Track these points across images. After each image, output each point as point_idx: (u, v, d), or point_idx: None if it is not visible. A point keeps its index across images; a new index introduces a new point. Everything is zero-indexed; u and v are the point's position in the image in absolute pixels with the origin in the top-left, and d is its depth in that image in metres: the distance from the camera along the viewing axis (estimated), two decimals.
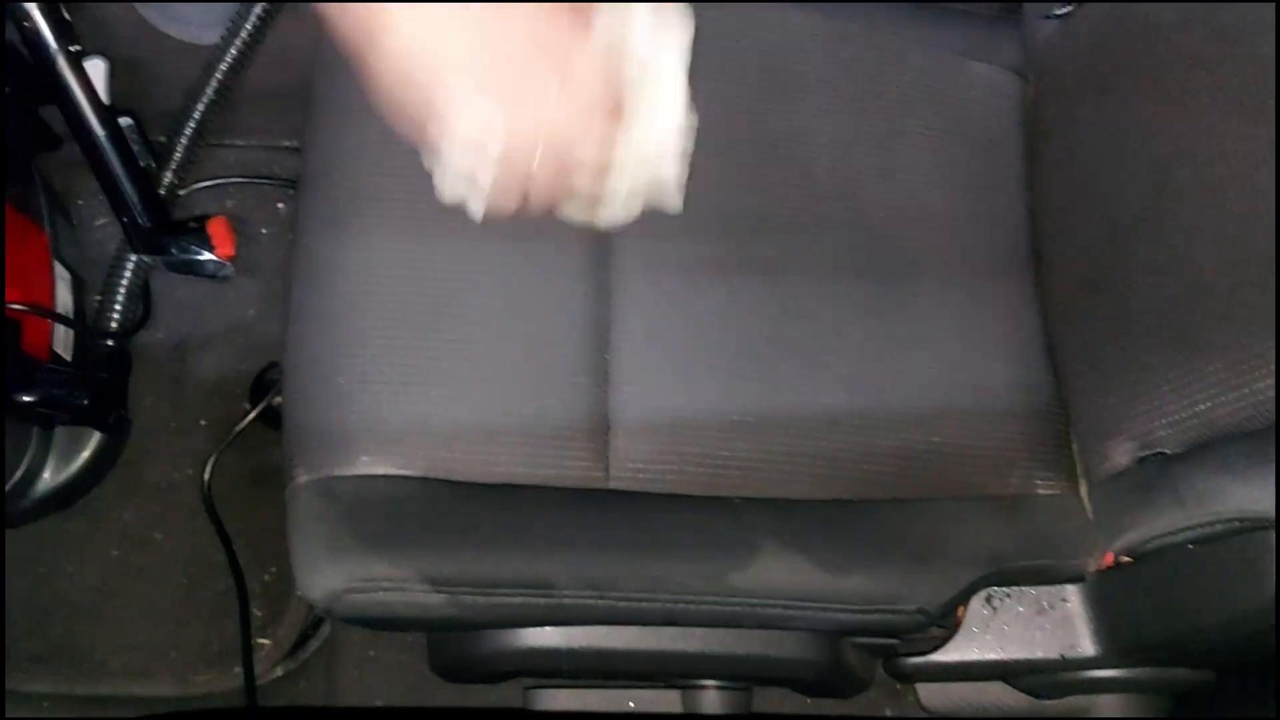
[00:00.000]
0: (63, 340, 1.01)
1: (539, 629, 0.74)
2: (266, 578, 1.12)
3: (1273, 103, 0.67)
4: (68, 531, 1.11)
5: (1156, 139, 0.76)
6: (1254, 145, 0.68)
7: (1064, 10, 0.89)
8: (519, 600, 0.70)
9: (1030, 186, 0.91)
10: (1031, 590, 0.81)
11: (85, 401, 0.97)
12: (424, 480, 0.72)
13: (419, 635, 0.90)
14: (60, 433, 1.06)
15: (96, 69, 0.95)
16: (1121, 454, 0.76)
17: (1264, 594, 0.64)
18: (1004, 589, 0.82)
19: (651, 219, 0.76)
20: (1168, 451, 0.72)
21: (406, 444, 0.72)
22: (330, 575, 0.68)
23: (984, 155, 0.91)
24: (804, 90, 0.87)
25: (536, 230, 0.77)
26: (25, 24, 0.85)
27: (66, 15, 0.92)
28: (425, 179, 0.76)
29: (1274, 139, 0.67)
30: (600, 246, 0.79)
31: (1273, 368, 0.64)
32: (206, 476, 1.05)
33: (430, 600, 0.68)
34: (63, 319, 1.01)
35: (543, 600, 0.70)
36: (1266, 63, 0.68)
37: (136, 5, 1.22)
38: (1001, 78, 0.94)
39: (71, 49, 0.91)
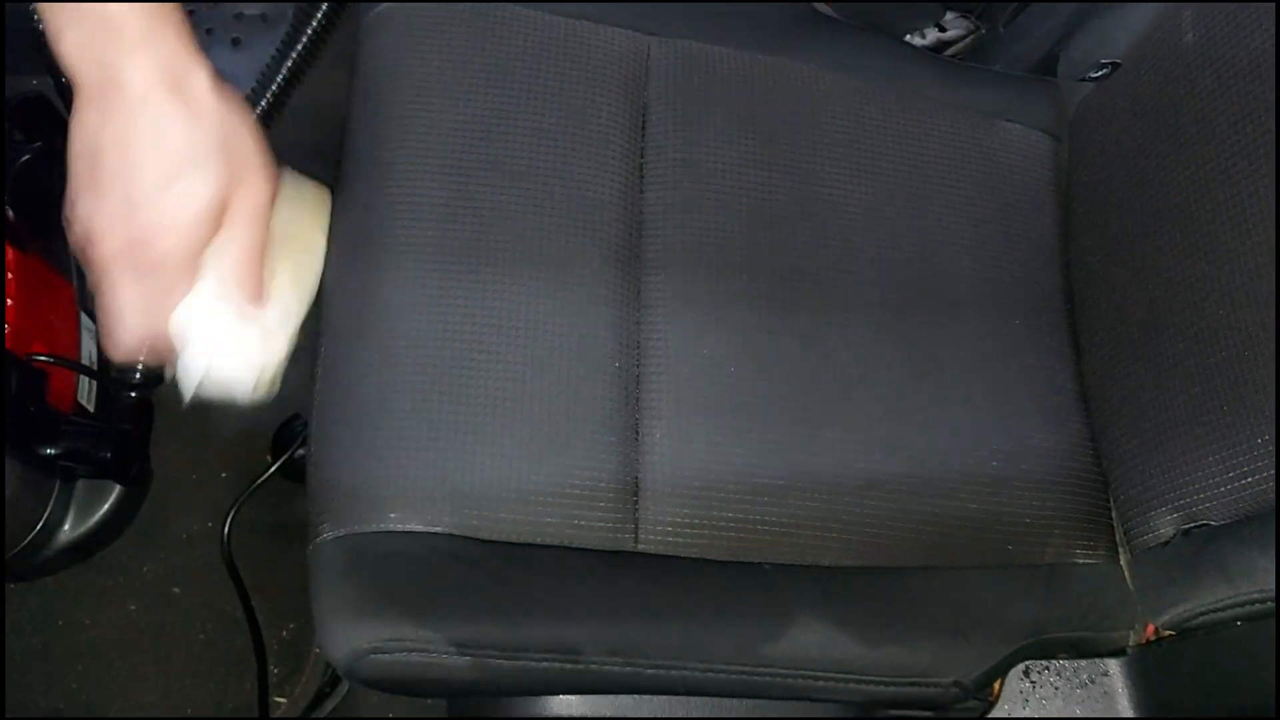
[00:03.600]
0: (86, 392, 1.01)
1: (564, 697, 0.73)
2: (285, 634, 1.10)
3: None
4: (86, 584, 1.10)
5: (1198, 202, 0.75)
6: None
7: (1098, 74, 0.89)
8: (545, 665, 0.68)
9: (1064, 248, 0.90)
10: (1071, 663, 0.79)
11: (108, 455, 0.96)
12: (451, 538, 0.70)
13: (439, 699, 0.88)
14: (81, 485, 1.05)
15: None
16: (1165, 524, 0.74)
17: None
18: (1043, 661, 0.80)
19: (684, 277, 0.76)
20: (1213, 523, 0.71)
21: (434, 501, 0.71)
22: (353, 634, 0.66)
23: (1017, 216, 0.90)
24: (837, 150, 0.87)
25: (568, 286, 0.76)
26: (63, 78, 0.86)
27: None
28: (457, 234, 0.76)
29: None
30: (632, 303, 0.79)
31: None
32: (226, 530, 1.04)
33: (455, 663, 0.66)
34: (87, 370, 1.01)
35: (569, 666, 0.68)
36: None
37: None
38: (1034, 138, 0.93)
39: None
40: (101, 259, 0.55)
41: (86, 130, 0.54)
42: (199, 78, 0.55)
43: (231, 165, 0.56)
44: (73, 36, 0.53)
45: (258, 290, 0.59)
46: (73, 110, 0.54)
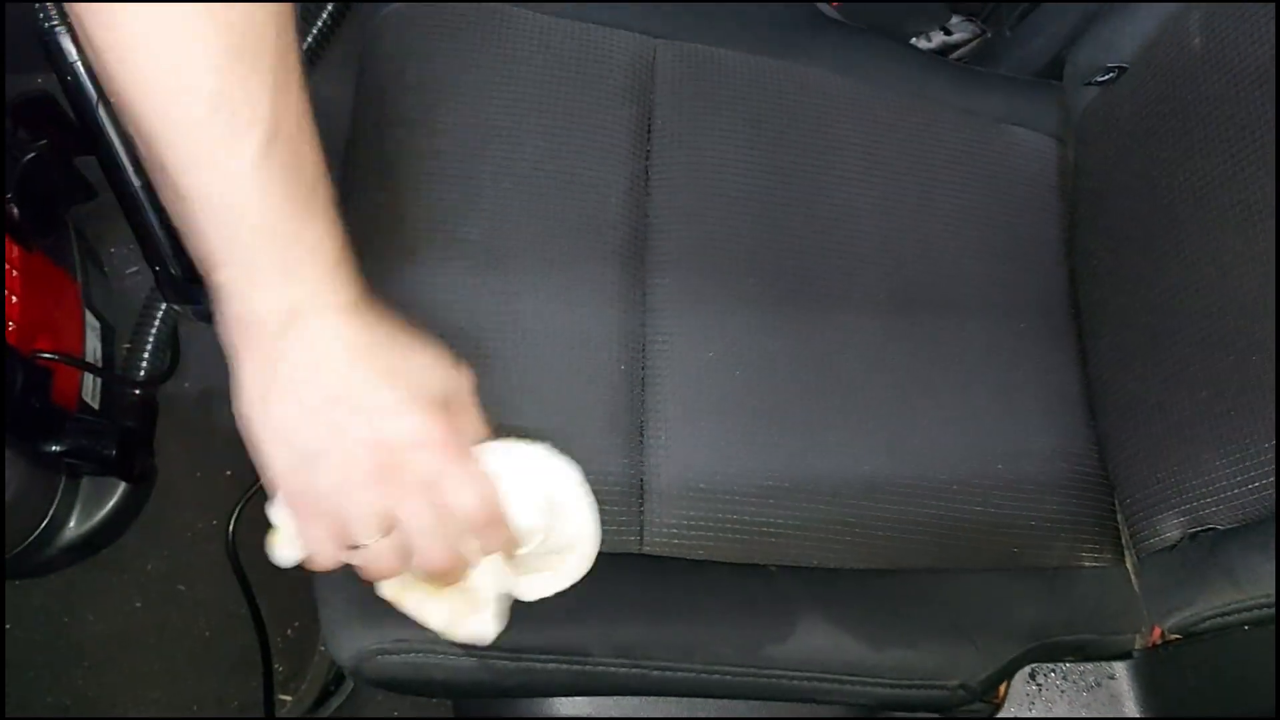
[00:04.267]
0: (91, 389, 1.01)
1: (568, 699, 0.73)
2: (290, 632, 1.10)
3: None
4: (91, 581, 1.10)
5: (1204, 207, 0.75)
6: None
7: (1104, 78, 0.89)
8: (550, 666, 0.68)
9: (1070, 252, 0.90)
10: (1077, 666, 0.79)
11: (113, 452, 0.96)
12: None
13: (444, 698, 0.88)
14: (85, 482, 1.05)
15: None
16: (1171, 528, 0.74)
17: None
18: (1049, 665, 0.80)
19: (690, 279, 0.76)
20: (1220, 528, 0.70)
21: None
22: (359, 634, 0.66)
23: (1023, 220, 0.90)
24: (843, 154, 0.87)
25: (573, 288, 0.76)
26: (69, 77, 0.86)
27: None
28: (462, 237, 0.76)
29: None
30: (638, 305, 0.78)
31: None
32: (231, 527, 1.04)
33: (460, 664, 0.66)
34: (92, 368, 1.01)
35: (574, 667, 0.68)
36: None
37: None
38: (1040, 142, 0.93)
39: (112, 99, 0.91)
40: (333, 527, 0.52)
41: (270, 368, 0.50)
42: (367, 297, 0.52)
43: (428, 359, 0.54)
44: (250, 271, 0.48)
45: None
46: (241, 362, 0.51)
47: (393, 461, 0.51)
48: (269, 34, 0.46)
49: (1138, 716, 0.77)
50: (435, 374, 0.54)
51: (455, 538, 0.54)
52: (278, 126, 0.47)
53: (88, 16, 0.44)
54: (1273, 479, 0.66)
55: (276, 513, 0.56)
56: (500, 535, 0.57)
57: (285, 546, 0.57)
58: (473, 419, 0.56)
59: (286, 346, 0.49)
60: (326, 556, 0.54)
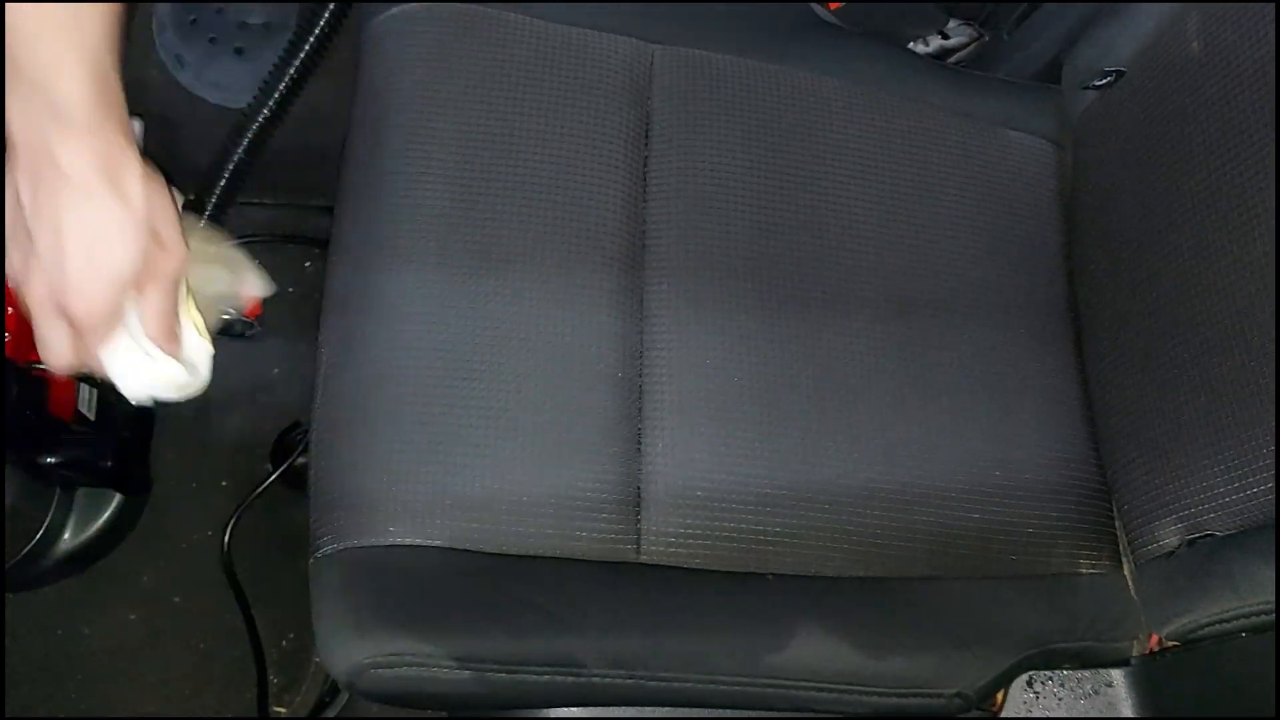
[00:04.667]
0: (87, 400, 1.01)
1: (565, 710, 0.72)
2: (284, 644, 1.10)
3: None
4: (86, 593, 1.09)
5: (1203, 213, 0.75)
6: None
7: (1102, 82, 0.89)
8: (546, 678, 0.68)
9: (1068, 255, 0.90)
10: (1075, 673, 0.79)
11: (108, 463, 0.96)
12: (452, 551, 0.70)
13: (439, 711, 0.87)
14: (81, 493, 1.05)
15: (132, 129, 0.95)
16: (1169, 535, 0.74)
17: None
18: (1046, 672, 0.79)
19: (687, 285, 0.76)
20: (1218, 534, 0.70)
21: (435, 514, 0.70)
22: (354, 649, 0.66)
23: (1021, 222, 0.90)
24: (841, 158, 0.86)
25: (570, 295, 0.76)
26: None
27: None
28: (458, 242, 0.76)
29: None
30: (635, 312, 0.78)
31: None
32: (226, 539, 1.04)
33: (456, 677, 0.66)
34: (87, 379, 1.01)
35: (570, 679, 0.68)
36: None
37: (172, 69, 1.24)
38: (1038, 146, 0.93)
39: None
40: (30, 302, 0.60)
41: (20, 192, 0.58)
42: (132, 168, 0.59)
43: (150, 243, 0.60)
44: (18, 105, 0.55)
45: (173, 337, 0.65)
46: (6, 166, 0.58)
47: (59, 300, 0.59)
48: None
49: None
50: (130, 263, 0.59)
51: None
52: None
53: None
54: (1271, 485, 0.66)
55: None
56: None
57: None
58: (160, 299, 0.62)
59: (53, 187, 0.57)
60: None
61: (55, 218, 0.57)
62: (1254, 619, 0.66)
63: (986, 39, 1.05)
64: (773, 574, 0.74)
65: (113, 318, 0.62)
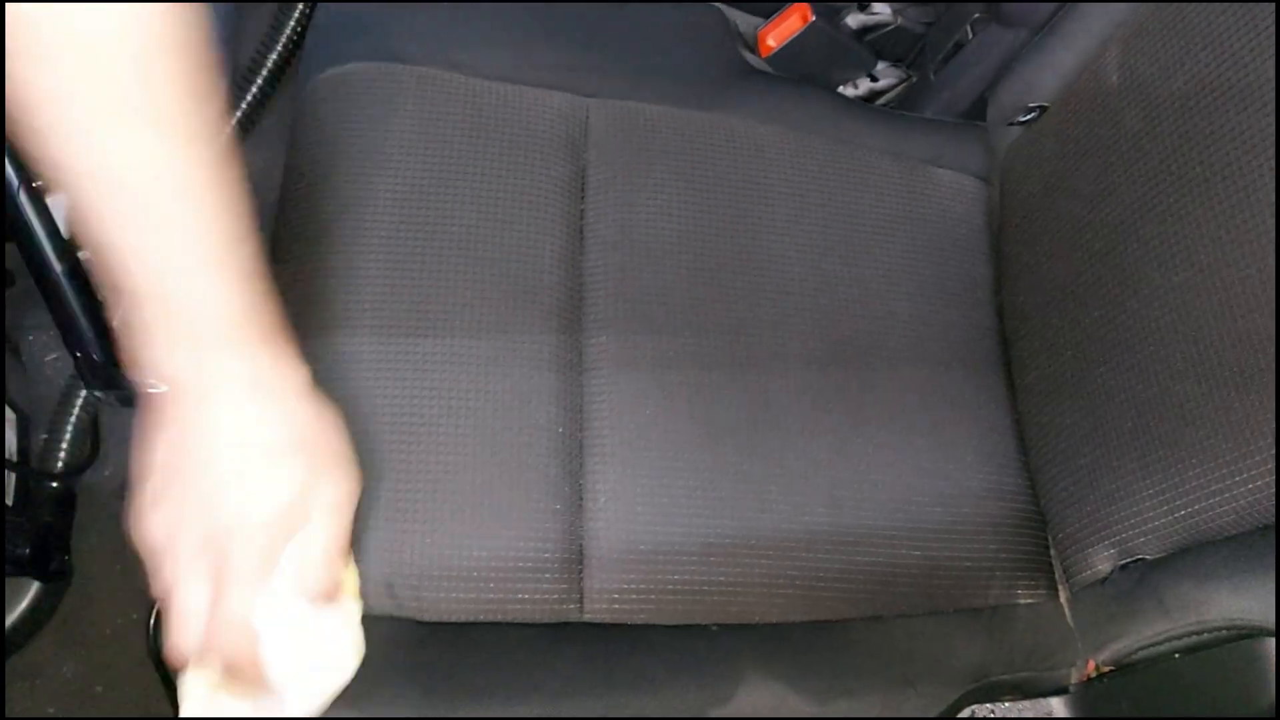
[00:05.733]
0: (5, 484, 0.97)
1: None
2: None
3: (1238, 203, 0.69)
4: (3, 687, 1.04)
5: (1125, 241, 0.77)
6: (1223, 247, 0.69)
7: (1026, 118, 0.92)
8: None
9: (998, 289, 0.92)
10: (1016, 705, 0.80)
11: (26, 551, 0.92)
12: (391, 620, 0.69)
13: None
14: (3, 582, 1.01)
15: (58, 205, 0.93)
16: (1102, 560, 0.76)
17: (1259, 704, 0.63)
18: (988, 705, 0.80)
19: (625, 338, 0.76)
20: (1148, 557, 0.72)
21: (374, 584, 0.69)
22: None
23: (951, 259, 0.92)
24: (775, 202, 0.88)
25: (508, 352, 0.76)
26: None
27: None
28: (395, 304, 0.76)
29: (1242, 241, 0.68)
30: (575, 367, 0.78)
31: (1256, 472, 0.64)
32: (152, 622, 1.00)
33: None
34: (7, 463, 0.97)
35: None
36: (1232, 168, 0.69)
37: None
38: (966, 182, 0.96)
39: (34, 184, 0.89)
40: (175, 561, 0.55)
41: (169, 432, 0.54)
42: (292, 379, 0.56)
43: (314, 464, 0.56)
44: (161, 338, 0.52)
45: (334, 586, 0.59)
46: (151, 415, 0.55)
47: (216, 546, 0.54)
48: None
49: None
50: (290, 484, 0.56)
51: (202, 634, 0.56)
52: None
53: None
54: (1197, 507, 0.68)
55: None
56: (244, 669, 0.57)
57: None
58: (325, 534, 0.58)
59: (192, 412, 0.54)
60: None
61: (205, 437, 0.53)
62: (1185, 640, 0.68)
63: (914, 80, 1.08)
64: (717, 624, 0.74)
65: (268, 558, 0.55)
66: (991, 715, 0.80)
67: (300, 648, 0.58)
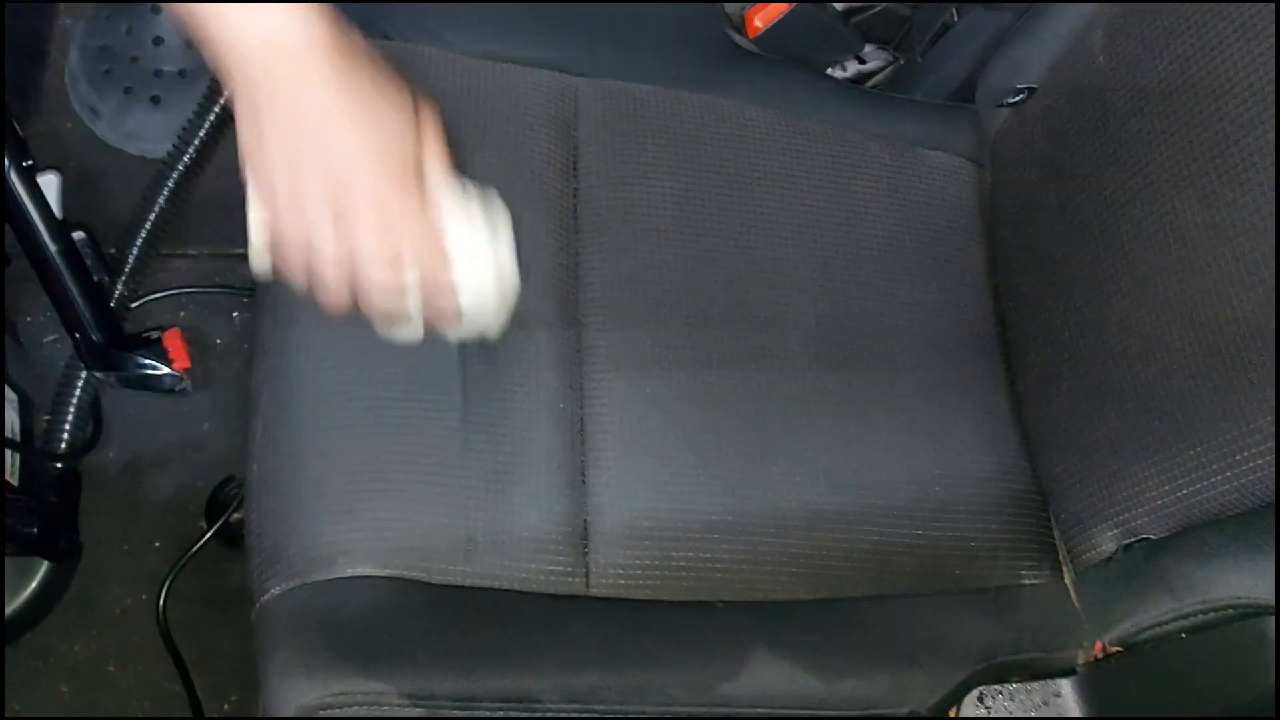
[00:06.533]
0: (9, 465, 0.98)
1: None
2: (226, 707, 1.07)
3: (1227, 183, 0.68)
4: (14, 667, 1.05)
5: (1118, 222, 0.77)
6: (1214, 226, 0.69)
7: (1015, 99, 0.91)
8: (500, 715, 0.67)
9: (993, 270, 0.92)
10: (1025, 686, 0.80)
11: (34, 530, 0.93)
12: (402, 582, 0.69)
13: None
14: (5, 562, 1.02)
15: (49, 184, 0.94)
16: (1105, 541, 0.76)
17: (1264, 682, 0.63)
18: (996, 686, 0.80)
19: (623, 317, 0.76)
20: (1152, 537, 0.72)
21: (383, 546, 0.69)
22: (302, 690, 0.64)
23: (945, 241, 0.92)
24: (766, 184, 0.88)
25: (507, 329, 0.76)
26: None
27: (20, 132, 0.91)
28: None
29: (1233, 220, 0.68)
30: (573, 345, 0.78)
31: (1256, 450, 0.64)
32: (161, 602, 1.01)
33: (407, 716, 0.65)
34: (10, 443, 0.98)
35: (524, 714, 0.67)
36: (1220, 144, 0.69)
37: (88, 121, 1.22)
38: (957, 165, 0.95)
39: (25, 164, 0.90)
40: (308, 215, 0.56)
41: (261, 108, 0.55)
42: (355, 39, 0.57)
43: (403, 98, 0.58)
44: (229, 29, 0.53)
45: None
46: (239, 103, 0.56)
47: (343, 193, 0.56)
48: None
49: None
50: (391, 128, 0.57)
51: (395, 270, 0.58)
52: None
53: None
54: (1199, 486, 0.68)
55: (254, 217, 0.59)
56: (439, 280, 0.60)
57: (260, 254, 0.60)
58: (434, 174, 0.60)
59: (274, 86, 0.54)
60: (292, 245, 0.58)
61: (300, 97, 0.54)
62: (1191, 619, 0.68)
63: (902, 62, 1.08)
64: (723, 601, 0.74)
65: (409, 180, 0.58)
66: (1000, 697, 0.80)
67: (478, 258, 0.60)
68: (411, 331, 0.61)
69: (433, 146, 0.60)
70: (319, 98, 0.55)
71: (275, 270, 0.60)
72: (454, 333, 0.63)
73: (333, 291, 0.59)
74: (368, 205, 0.56)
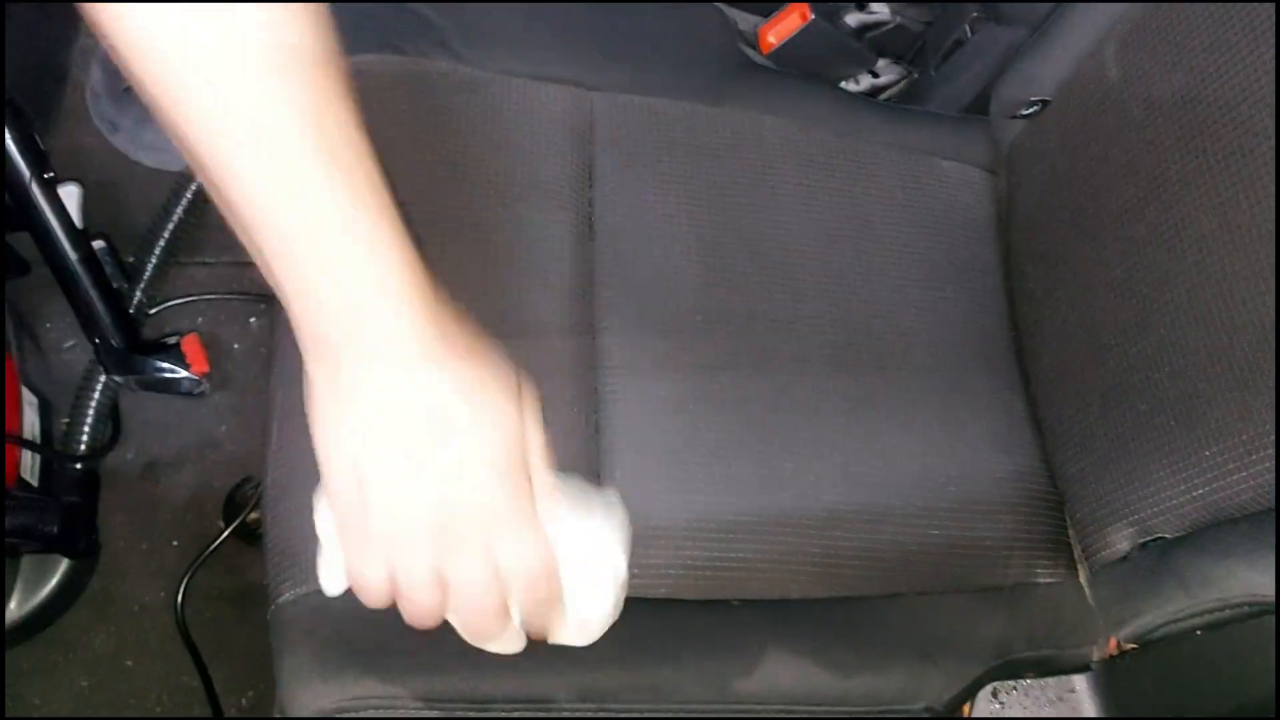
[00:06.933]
0: (30, 466, 0.99)
1: None
2: (244, 702, 1.08)
3: (1241, 191, 0.68)
4: (35, 662, 1.07)
5: (1132, 228, 0.77)
6: (1228, 232, 0.69)
7: (1028, 111, 0.91)
8: (515, 715, 0.67)
9: (1007, 275, 0.92)
10: (1039, 682, 0.80)
11: (54, 529, 0.94)
12: None
13: None
14: (26, 560, 1.03)
15: (70, 195, 0.95)
16: (1121, 539, 0.76)
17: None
18: (1010, 682, 0.80)
19: (637, 321, 0.76)
20: (1168, 536, 0.72)
21: None
22: (319, 694, 0.65)
23: (960, 246, 0.92)
24: (781, 192, 0.88)
25: (520, 334, 0.76)
26: None
27: (42, 145, 0.92)
28: None
29: (1247, 227, 0.68)
30: (587, 349, 0.79)
31: (1272, 450, 0.64)
32: (179, 598, 1.02)
33: (422, 717, 0.65)
34: (30, 444, 0.99)
35: (541, 715, 0.67)
36: (1234, 153, 0.69)
37: (108, 135, 1.24)
38: (971, 174, 0.96)
39: (45, 176, 0.91)
40: (406, 548, 0.48)
41: (344, 399, 0.47)
42: (456, 326, 0.49)
43: (503, 394, 0.49)
44: (311, 305, 0.47)
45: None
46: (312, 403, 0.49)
47: (451, 522, 0.48)
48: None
49: None
50: (505, 430, 0.48)
51: (503, 599, 0.51)
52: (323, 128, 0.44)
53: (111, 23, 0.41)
54: (1215, 485, 0.68)
55: (322, 526, 0.52)
56: (548, 600, 0.52)
57: (330, 575, 0.54)
58: (540, 472, 0.51)
59: (358, 378, 0.46)
60: (374, 595, 0.50)
61: (399, 417, 0.46)
62: (1207, 617, 0.68)
63: (916, 76, 1.08)
64: (738, 600, 0.74)
65: (526, 496, 0.48)
66: (1015, 693, 0.80)
67: (593, 567, 0.53)
68: (510, 645, 0.54)
69: (536, 438, 0.50)
70: (428, 386, 0.46)
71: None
72: (556, 639, 0.55)
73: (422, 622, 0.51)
74: (477, 547, 0.48)
